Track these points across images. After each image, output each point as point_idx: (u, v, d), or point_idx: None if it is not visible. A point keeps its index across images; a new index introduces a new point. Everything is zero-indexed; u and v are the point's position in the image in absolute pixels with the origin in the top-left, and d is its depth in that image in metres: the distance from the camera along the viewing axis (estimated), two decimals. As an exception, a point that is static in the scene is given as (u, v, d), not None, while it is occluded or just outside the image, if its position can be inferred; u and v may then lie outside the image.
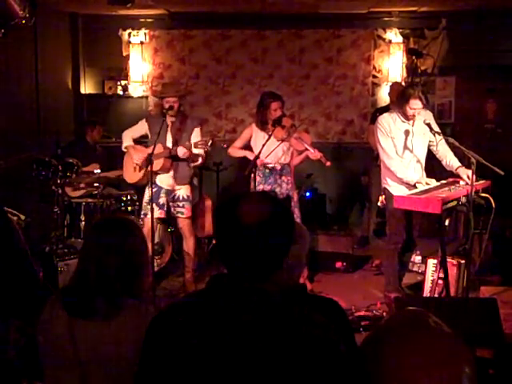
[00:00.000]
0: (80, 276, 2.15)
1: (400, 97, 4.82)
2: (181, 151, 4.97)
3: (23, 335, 2.87)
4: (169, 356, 1.42)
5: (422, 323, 1.19)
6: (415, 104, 4.60)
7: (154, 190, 4.99)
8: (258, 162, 5.07)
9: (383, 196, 5.05)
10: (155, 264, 5.16)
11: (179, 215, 5.33)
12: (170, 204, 5.34)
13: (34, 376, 2.59)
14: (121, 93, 8.01)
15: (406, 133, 4.78)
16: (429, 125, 4.57)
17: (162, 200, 5.28)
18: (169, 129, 5.14)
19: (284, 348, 1.36)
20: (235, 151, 5.46)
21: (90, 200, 6.15)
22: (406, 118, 4.73)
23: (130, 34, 7.87)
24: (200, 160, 5.23)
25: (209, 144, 4.86)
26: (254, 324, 1.39)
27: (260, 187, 5.24)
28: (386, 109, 5.93)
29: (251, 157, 5.17)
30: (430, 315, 1.21)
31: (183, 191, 5.30)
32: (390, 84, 7.06)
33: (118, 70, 7.97)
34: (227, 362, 1.37)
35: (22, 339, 2.84)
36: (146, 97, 7.99)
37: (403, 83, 7.23)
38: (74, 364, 2.04)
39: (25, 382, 2.53)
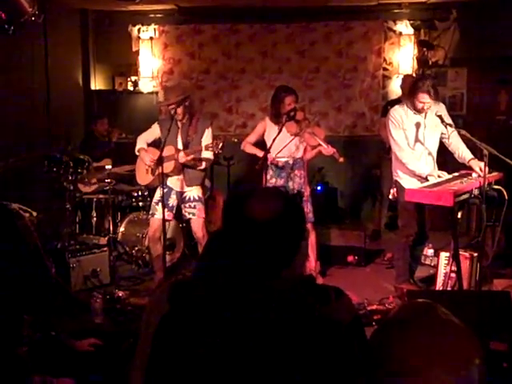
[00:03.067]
0: None
1: (411, 89, 4.79)
2: (180, 157, 4.93)
3: (36, 331, 2.89)
4: (179, 354, 1.40)
5: (431, 314, 1.18)
6: (423, 98, 4.57)
7: (164, 190, 4.98)
8: (269, 157, 5.02)
9: (394, 189, 5.02)
10: (166, 260, 5.15)
11: (191, 216, 5.19)
12: (182, 206, 5.24)
13: (46, 371, 2.61)
14: (131, 88, 8.03)
15: (418, 125, 4.75)
16: (440, 117, 4.54)
17: (172, 202, 5.19)
18: (179, 131, 5.09)
19: (296, 347, 1.35)
20: (248, 147, 5.37)
21: (101, 196, 6.17)
22: (417, 110, 4.70)
23: (139, 30, 7.89)
24: (203, 165, 5.13)
25: (219, 146, 4.80)
26: (265, 322, 1.37)
27: (272, 181, 5.19)
28: (396, 101, 5.88)
29: (261, 155, 5.12)
30: (439, 306, 1.20)
31: (194, 192, 5.18)
32: (402, 76, 7.00)
33: (128, 65, 8.00)
34: (237, 360, 1.36)
35: (35, 335, 2.87)
36: (157, 92, 8.00)
37: (414, 75, 7.18)
38: None
39: (37, 376, 2.55)
